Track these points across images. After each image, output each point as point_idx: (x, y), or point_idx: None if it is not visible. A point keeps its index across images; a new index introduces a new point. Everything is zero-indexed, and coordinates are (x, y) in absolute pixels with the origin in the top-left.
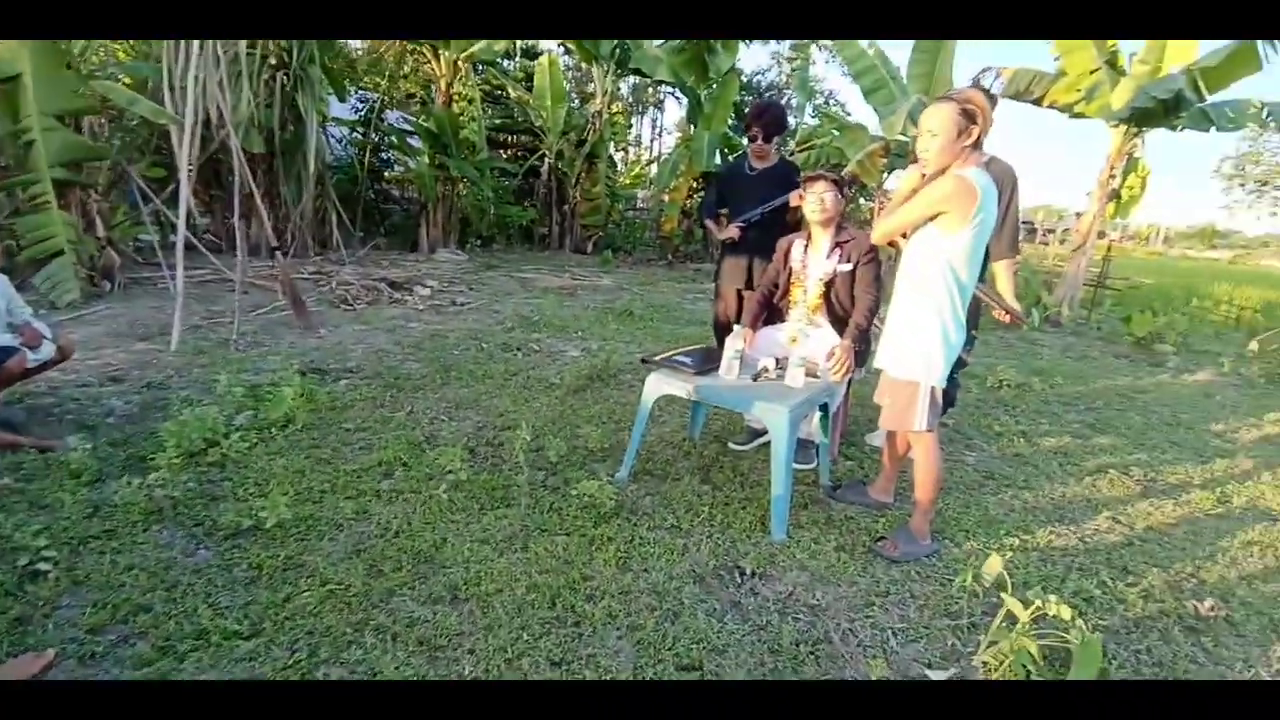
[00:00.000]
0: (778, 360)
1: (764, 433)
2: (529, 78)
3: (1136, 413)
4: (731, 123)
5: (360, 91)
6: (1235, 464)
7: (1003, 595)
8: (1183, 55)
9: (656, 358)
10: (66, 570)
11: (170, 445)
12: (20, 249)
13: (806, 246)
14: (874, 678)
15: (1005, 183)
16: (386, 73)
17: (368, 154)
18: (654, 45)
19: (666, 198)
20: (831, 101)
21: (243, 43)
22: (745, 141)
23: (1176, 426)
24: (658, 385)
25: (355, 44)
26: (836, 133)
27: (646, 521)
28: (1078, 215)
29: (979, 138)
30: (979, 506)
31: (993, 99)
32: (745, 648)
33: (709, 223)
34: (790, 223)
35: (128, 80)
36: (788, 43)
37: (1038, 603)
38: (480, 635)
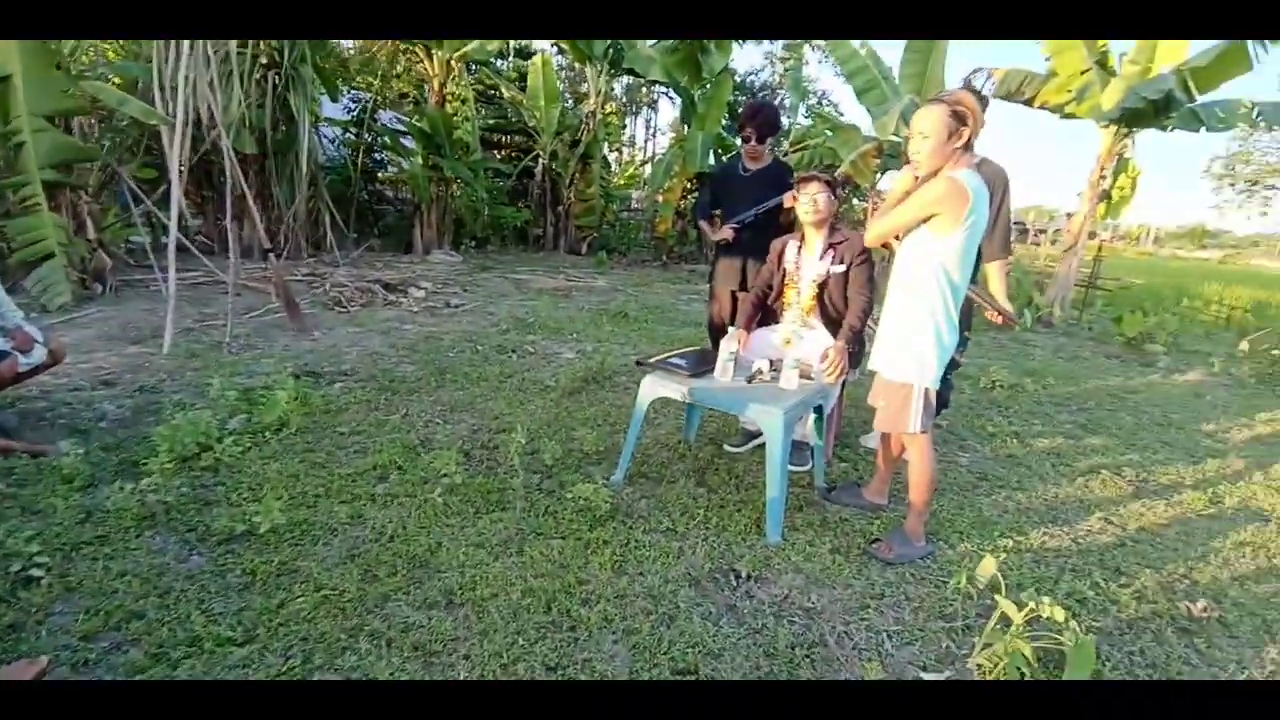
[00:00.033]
0: (772, 362)
1: (759, 435)
2: (522, 78)
3: (1128, 413)
4: (725, 123)
5: (353, 91)
6: (1226, 464)
7: (997, 597)
8: (1173, 56)
9: (651, 360)
10: (59, 576)
11: (163, 450)
12: (11, 251)
13: (800, 248)
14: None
15: (997, 184)
16: (379, 72)
17: (361, 154)
18: (647, 45)
19: (661, 198)
20: (825, 102)
21: (233, 42)
22: (739, 142)
23: (1168, 427)
24: (653, 388)
25: (347, 43)
26: (830, 133)
27: (642, 524)
28: (1068, 216)
29: (970, 139)
30: (973, 508)
31: (984, 100)
32: (741, 651)
33: (703, 224)
34: (784, 224)
35: (118, 80)
36: (781, 43)
37: (1031, 605)
38: (475, 640)
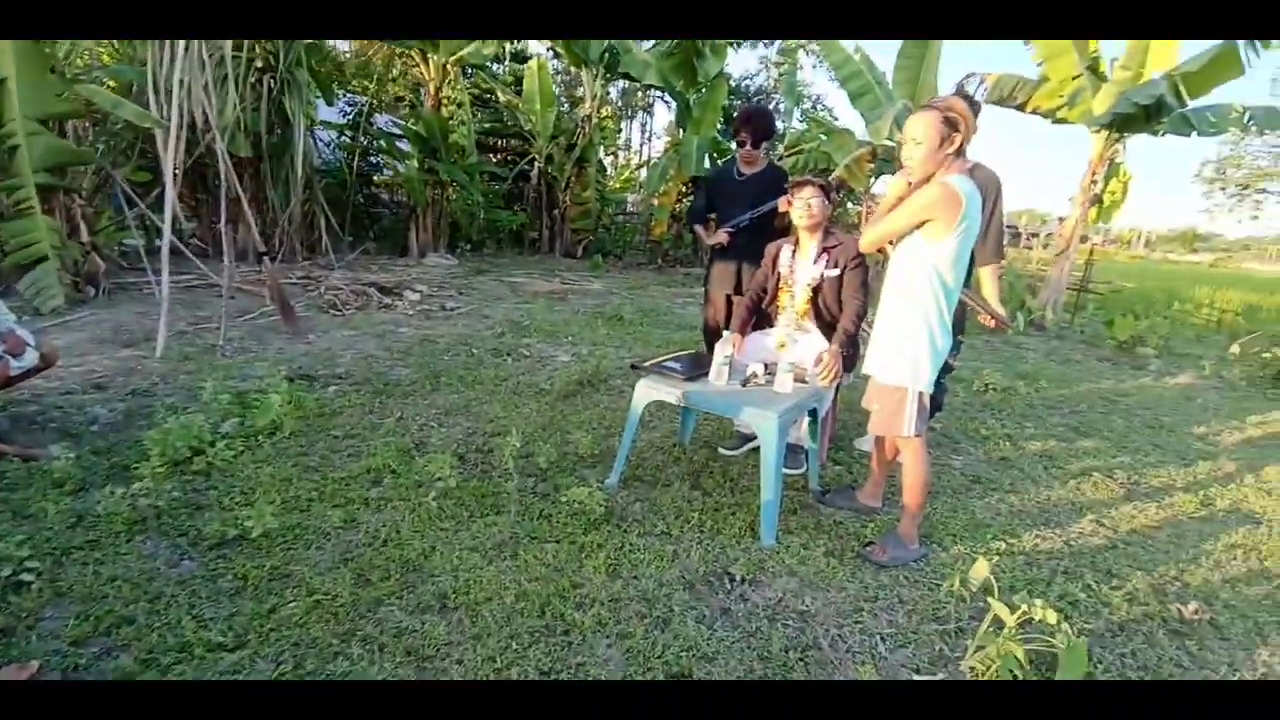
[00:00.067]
0: (766, 366)
1: (753, 438)
2: (518, 82)
3: (1119, 416)
4: (720, 127)
5: (348, 95)
6: (1217, 466)
7: (989, 600)
8: (1164, 60)
9: (646, 364)
10: (49, 581)
11: (154, 454)
12: (4, 255)
13: (794, 252)
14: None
15: (989, 189)
16: (375, 76)
17: (356, 158)
18: (642, 49)
19: (656, 202)
20: (819, 106)
21: (228, 45)
22: (734, 146)
23: (1159, 429)
24: (647, 391)
25: (343, 47)
26: (824, 137)
27: (636, 528)
28: (1060, 220)
29: (962, 145)
30: (966, 510)
31: (976, 105)
32: (735, 655)
33: (698, 228)
34: (779, 228)
35: (112, 84)
36: (775, 47)
37: (1024, 607)
38: (469, 645)
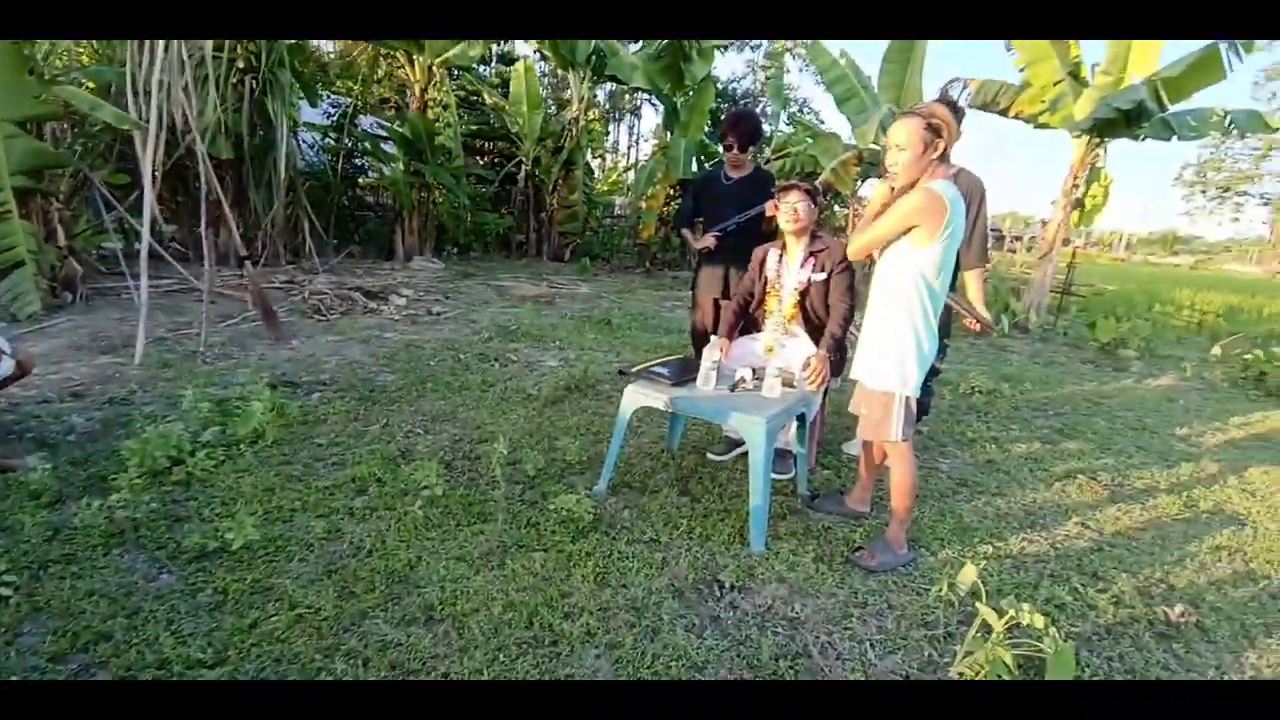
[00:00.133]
0: (755, 370)
1: (742, 442)
2: (505, 84)
3: (1103, 417)
4: (708, 129)
5: (332, 96)
6: (1200, 468)
7: (978, 604)
8: (1145, 65)
9: (634, 369)
10: (27, 596)
11: (132, 464)
12: None
13: (781, 256)
14: None
15: (974, 194)
16: (359, 77)
17: (340, 160)
18: (630, 52)
19: (644, 205)
20: (806, 110)
21: (209, 46)
22: (721, 150)
23: (1142, 431)
24: (635, 397)
25: (327, 48)
26: (811, 141)
27: (625, 535)
28: (1043, 223)
29: (945, 150)
30: (953, 514)
31: (959, 111)
32: (724, 663)
33: (685, 232)
34: (766, 232)
35: (91, 85)
36: (762, 51)
37: (1011, 612)
38: (455, 657)
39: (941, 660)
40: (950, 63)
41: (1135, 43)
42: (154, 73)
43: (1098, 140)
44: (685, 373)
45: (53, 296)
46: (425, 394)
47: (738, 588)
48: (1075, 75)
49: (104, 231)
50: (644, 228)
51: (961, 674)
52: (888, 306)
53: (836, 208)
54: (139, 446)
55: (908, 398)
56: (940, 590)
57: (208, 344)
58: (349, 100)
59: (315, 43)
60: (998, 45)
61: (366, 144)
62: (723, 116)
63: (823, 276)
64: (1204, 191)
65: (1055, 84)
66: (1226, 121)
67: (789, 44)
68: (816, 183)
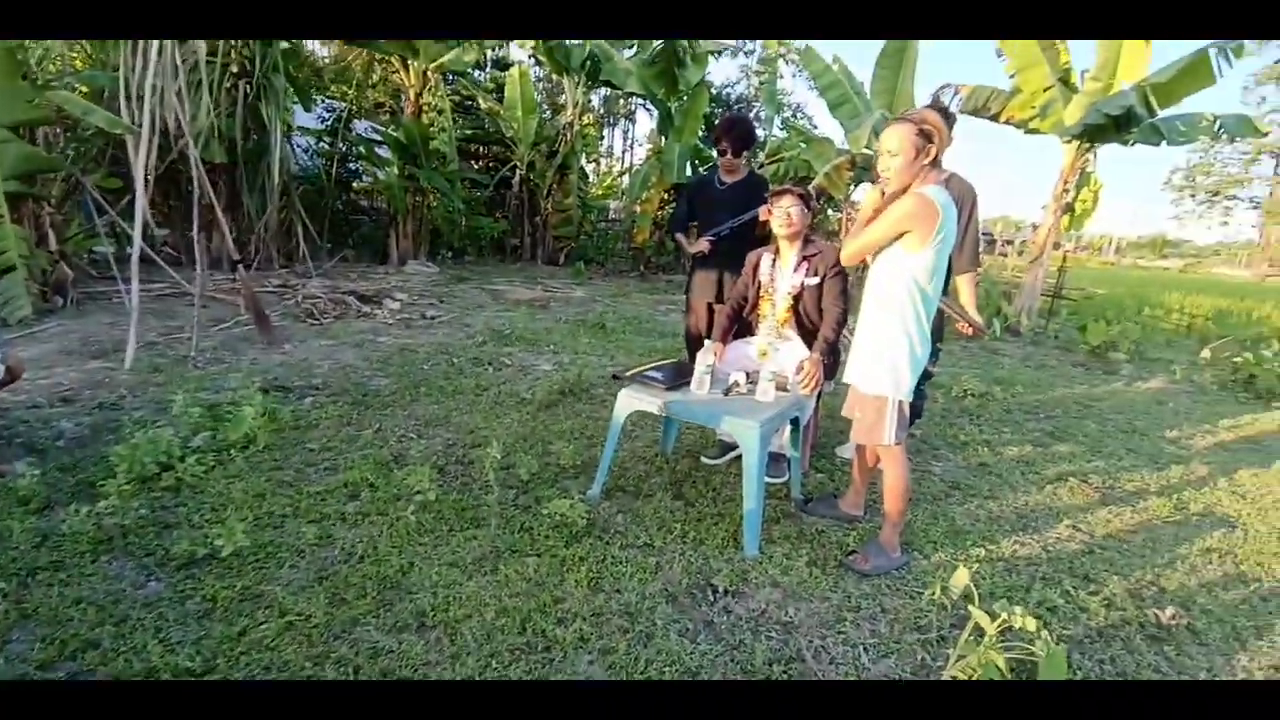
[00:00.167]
0: (748, 374)
1: (736, 447)
2: (500, 89)
3: (1093, 420)
4: (702, 134)
5: (327, 101)
6: (1190, 470)
7: (970, 608)
8: (1134, 71)
9: (628, 373)
10: (15, 603)
11: (121, 470)
12: None
13: (774, 260)
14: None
15: (965, 199)
16: (354, 82)
17: (335, 164)
18: (624, 57)
19: (638, 209)
20: (799, 115)
21: (203, 50)
22: (715, 154)
23: (1132, 433)
24: (629, 401)
25: (322, 52)
26: (804, 145)
27: (619, 540)
28: (1034, 227)
29: (937, 156)
30: (946, 517)
31: (951, 117)
32: (718, 668)
33: (679, 236)
34: (760, 236)
35: (84, 89)
36: (756, 56)
37: (1004, 615)
38: (447, 664)
39: (934, 664)
40: (941, 68)
41: (1125, 49)
42: (147, 77)
43: (1087, 145)
44: (679, 377)
45: (43, 301)
46: (419, 398)
47: (731, 592)
48: (1065, 81)
49: (95, 236)
50: (638, 232)
51: (954, 678)
52: (881, 311)
53: (830, 212)
54: (128, 452)
55: (900, 402)
56: (933, 594)
57: (199, 348)
58: (343, 105)
59: (310, 47)
60: (988, 52)
61: (361, 148)
62: (717, 121)
63: (816, 281)
64: (1193, 196)
65: (1045, 90)
66: (1216, 126)
67: (782, 49)
68: (809, 187)
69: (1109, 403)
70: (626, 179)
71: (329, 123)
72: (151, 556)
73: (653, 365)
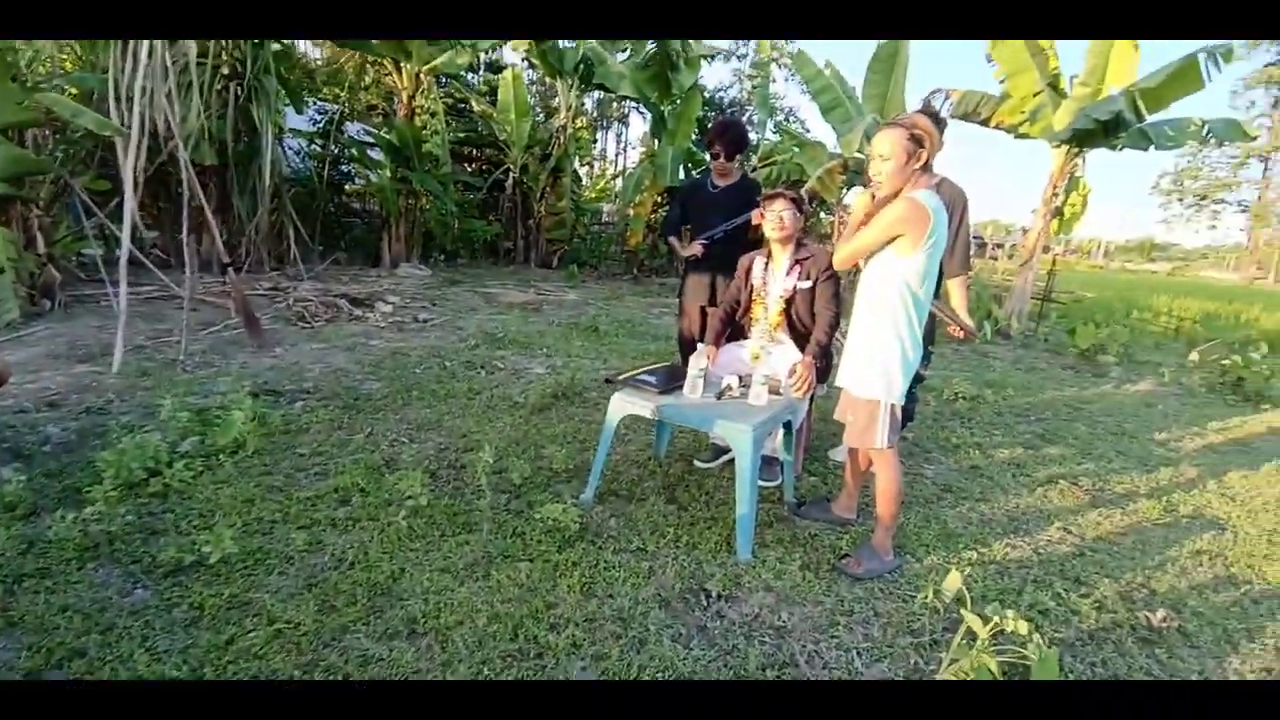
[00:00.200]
0: (741, 378)
1: (729, 450)
2: (493, 92)
3: (1083, 423)
4: (695, 138)
5: (319, 103)
6: (1180, 472)
7: (962, 611)
8: (1123, 77)
9: (621, 377)
10: (1, 610)
11: (107, 476)
12: None
13: (767, 264)
14: None
15: (956, 204)
16: (346, 84)
17: (327, 167)
18: (617, 61)
19: (632, 212)
20: (791, 118)
21: (193, 52)
22: (708, 158)
23: (1121, 436)
24: (622, 405)
25: (314, 54)
26: (797, 149)
27: (612, 544)
28: (1024, 231)
29: (928, 160)
30: (938, 520)
31: (941, 121)
32: (711, 674)
33: (672, 240)
34: (753, 240)
35: (74, 91)
36: (749, 60)
37: (996, 619)
38: (438, 672)
39: (927, 668)
40: (932, 73)
41: (1113, 54)
42: (136, 79)
43: (1076, 150)
44: (672, 380)
45: (31, 304)
46: (410, 402)
47: (724, 596)
48: (1054, 87)
49: (84, 238)
50: (631, 235)
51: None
52: (873, 315)
53: (822, 215)
54: (115, 458)
55: (893, 405)
56: (926, 597)
57: (188, 352)
58: (336, 107)
59: (302, 49)
60: (979, 57)
61: (353, 151)
62: (710, 125)
63: (808, 284)
64: (1181, 200)
65: (1035, 95)
66: (1204, 131)
67: (775, 54)
68: (802, 191)
69: (1098, 405)
70: (620, 182)
71: (321, 125)
72: (138, 564)
73: (646, 369)
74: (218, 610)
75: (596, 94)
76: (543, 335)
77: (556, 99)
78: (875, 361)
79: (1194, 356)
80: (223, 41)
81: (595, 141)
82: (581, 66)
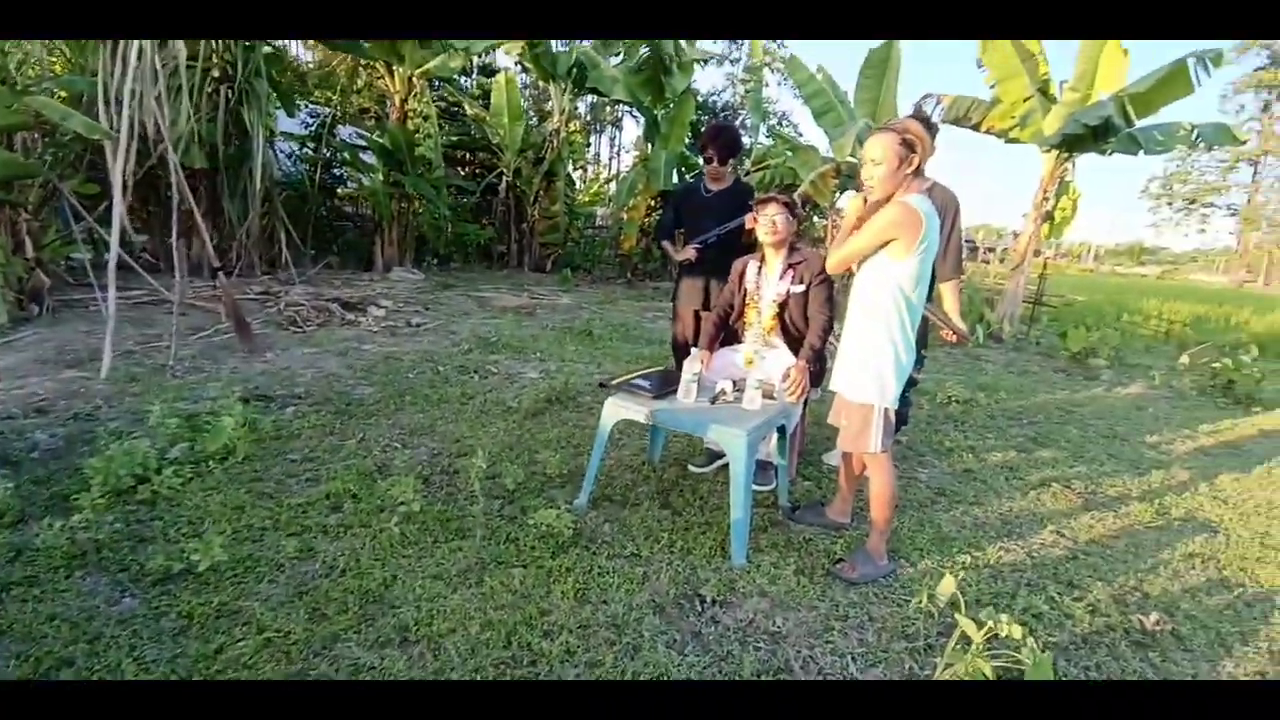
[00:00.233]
0: (735, 382)
1: (723, 455)
2: (486, 95)
3: (1075, 426)
4: (688, 141)
5: (310, 106)
6: (1171, 475)
7: (957, 616)
8: (1112, 82)
9: (615, 381)
10: None
11: (96, 483)
12: None
13: (760, 268)
14: None
15: (948, 208)
16: (338, 87)
17: (319, 170)
18: (610, 65)
19: (625, 216)
20: (785, 123)
21: (183, 54)
22: (701, 162)
23: (1113, 439)
24: (616, 410)
25: (306, 57)
26: (790, 153)
27: (606, 550)
28: (1015, 235)
29: (920, 165)
30: (932, 524)
31: (933, 126)
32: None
33: (665, 244)
34: (746, 244)
35: (63, 94)
36: (742, 65)
37: (990, 623)
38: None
39: (922, 673)
40: (924, 78)
41: (1102, 60)
42: (126, 82)
43: (1066, 155)
44: (666, 385)
45: (19, 309)
46: (403, 407)
47: (719, 602)
48: (1044, 92)
49: (73, 242)
50: (625, 239)
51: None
52: (866, 319)
53: (815, 219)
54: (102, 464)
55: (886, 409)
56: (920, 602)
57: (178, 357)
58: (328, 110)
59: (294, 53)
60: (969, 62)
61: (345, 154)
62: (703, 129)
63: (801, 288)
64: (1170, 204)
65: (1025, 100)
66: (1194, 135)
67: (768, 58)
68: (795, 195)
69: (1090, 408)
70: (613, 186)
71: (313, 128)
72: (126, 572)
73: (639, 373)
74: (206, 619)
75: (590, 98)
76: (536, 339)
77: (550, 103)
78: (869, 366)
79: (1184, 359)
80: (213, 44)
81: (588, 145)
82: (574, 70)
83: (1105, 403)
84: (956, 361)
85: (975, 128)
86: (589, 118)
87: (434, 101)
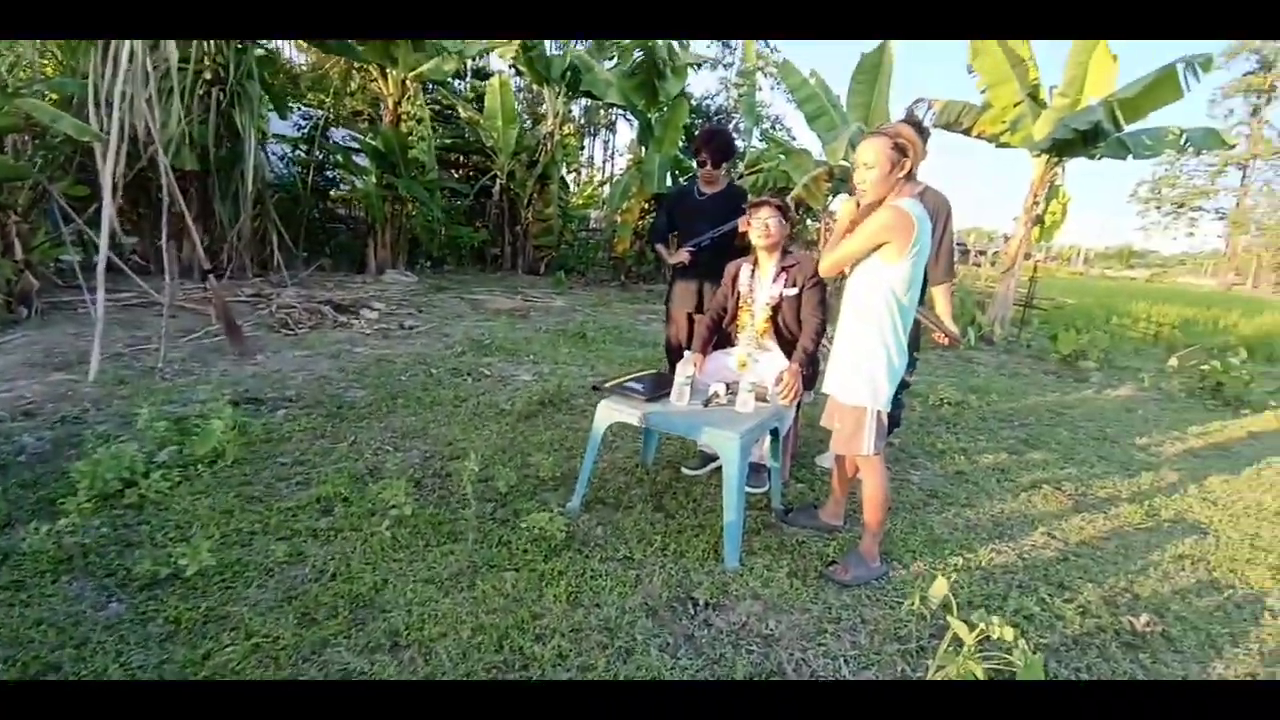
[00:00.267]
0: (728, 385)
1: (716, 457)
2: (480, 98)
3: (1065, 428)
4: (682, 145)
5: (303, 108)
6: (1160, 477)
7: (949, 618)
8: (1102, 87)
9: (608, 384)
10: None
11: (83, 487)
12: None
13: (753, 271)
14: None
15: (940, 212)
16: (331, 90)
17: (311, 172)
18: (604, 68)
19: (619, 219)
20: (778, 126)
21: (174, 57)
22: (695, 165)
23: (1103, 441)
24: (609, 412)
25: (298, 60)
26: (783, 157)
27: (598, 553)
28: (1006, 239)
29: (912, 169)
30: (924, 526)
31: (924, 130)
32: None
33: (659, 247)
34: (740, 247)
35: (54, 96)
36: (735, 69)
37: (982, 625)
38: None
39: (914, 675)
40: (915, 83)
41: (1092, 65)
42: (117, 84)
43: (1056, 159)
44: (659, 388)
45: (8, 311)
46: (395, 410)
47: (712, 605)
48: (1034, 97)
49: (62, 244)
50: (619, 241)
51: None
52: (859, 322)
53: (808, 222)
54: (90, 468)
55: (879, 412)
56: (912, 604)
57: (167, 360)
58: (321, 113)
59: (286, 55)
60: (960, 67)
61: (338, 156)
62: (696, 132)
63: (794, 291)
64: (1158, 207)
65: (1015, 105)
66: (1183, 139)
67: (761, 62)
68: (788, 198)
69: (1080, 410)
70: (607, 189)
71: (306, 131)
72: (113, 577)
73: (633, 376)
74: (194, 624)
75: (583, 101)
76: (530, 342)
77: (544, 106)
78: (861, 368)
79: (1173, 362)
80: (205, 46)
81: (582, 148)
82: (568, 73)
83: (1095, 405)
84: (948, 364)
85: (966, 132)
86: (583, 121)
87: (428, 104)
